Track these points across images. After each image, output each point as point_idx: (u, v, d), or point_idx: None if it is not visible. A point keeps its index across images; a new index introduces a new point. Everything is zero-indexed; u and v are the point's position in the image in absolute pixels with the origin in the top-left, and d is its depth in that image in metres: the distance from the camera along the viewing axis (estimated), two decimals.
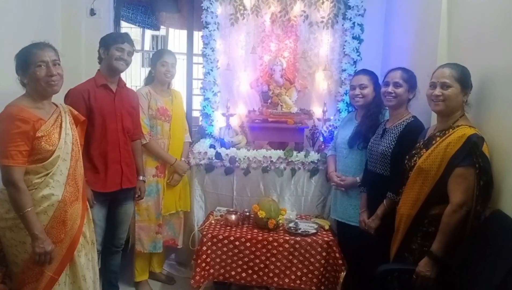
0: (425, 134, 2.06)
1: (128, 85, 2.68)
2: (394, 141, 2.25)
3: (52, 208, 1.87)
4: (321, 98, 3.33)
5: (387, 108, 2.43)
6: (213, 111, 3.30)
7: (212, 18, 3.20)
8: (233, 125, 3.35)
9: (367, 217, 2.38)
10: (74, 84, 2.39)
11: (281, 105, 3.21)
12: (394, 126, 2.30)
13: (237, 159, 2.95)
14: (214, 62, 3.26)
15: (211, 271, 2.55)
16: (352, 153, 2.61)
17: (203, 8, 3.20)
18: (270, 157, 2.95)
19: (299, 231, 2.60)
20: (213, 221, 2.77)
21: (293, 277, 2.53)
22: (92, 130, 2.33)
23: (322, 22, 3.26)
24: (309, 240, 2.54)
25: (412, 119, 2.28)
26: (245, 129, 3.36)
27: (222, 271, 2.56)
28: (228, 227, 2.68)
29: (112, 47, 2.39)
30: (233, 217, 2.73)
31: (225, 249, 2.55)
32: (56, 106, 2.01)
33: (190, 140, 3.10)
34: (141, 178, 2.66)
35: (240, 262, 2.54)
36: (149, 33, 7.36)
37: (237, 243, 2.54)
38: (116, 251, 2.67)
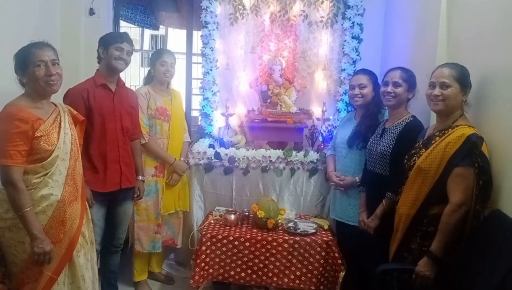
0: (425, 133, 2.06)
1: (127, 85, 2.67)
2: (394, 140, 2.25)
3: (51, 208, 1.87)
4: (321, 98, 3.33)
5: (386, 107, 2.43)
6: (212, 111, 3.30)
7: (211, 17, 3.20)
8: (232, 124, 3.34)
9: (366, 216, 2.38)
10: (73, 83, 2.38)
11: (281, 105, 3.21)
12: (394, 125, 2.30)
13: (236, 159, 2.95)
14: (213, 62, 3.25)
15: (210, 271, 2.55)
16: (351, 153, 2.61)
17: (202, 7, 3.20)
18: (269, 156, 2.95)
19: (298, 231, 2.60)
20: (212, 221, 2.77)
21: (292, 276, 2.53)
22: (91, 130, 2.33)
23: (321, 21, 3.26)
24: (308, 240, 2.54)
25: (412, 118, 2.28)
26: (244, 128, 3.36)
27: (221, 271, 2.56)
28: (227, 227, 2.68)
29: (111, 46, 2.38)
30: (232, 217, 2.73)
31: (224, 249, 2.54)
32: (55, 105, 2.01)
33: (189, 140, 3.09)
34: (140, 178, 2.66)
35: (239, 262, 2.54)
36: (148, 32, 7.36)
37: (236, 243, 2.54)
38: (115, 251, 2.66)
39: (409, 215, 1.92)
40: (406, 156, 2.03)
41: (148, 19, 4.79)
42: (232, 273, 2.55)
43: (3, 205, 1.85)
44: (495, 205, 1.77)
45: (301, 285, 2.53)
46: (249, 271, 2.54)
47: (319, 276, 2.53)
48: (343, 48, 3.19)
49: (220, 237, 2.55)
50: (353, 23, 3.12)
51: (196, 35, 3.88)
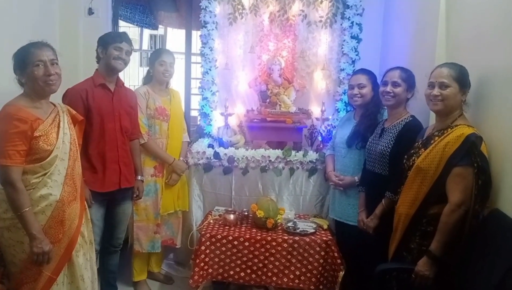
0: (424, 133, 2.07)
1: (126, 85, 2.67)
2: (393, 140, 2.25)
3: (50, 208, 1.87)
4: (320, 98, 3.33)
5: (385, 107, 2.43)
6: (211, 111, 3.30)
7: (210, 17, 3.20)
8: (232, 124, 3.34)
9: (366, 216, 2.38)
10: (72, 83, 2.38)
11: (280, 105, 3.21)
12: (393, 125, 2.30)
13: (235, 158, 2.95)
14: (212, 62, 3.25)
15: (210, 270, 2.55)
16: (351, 153, 2.61)
17: (201, 7, 3.19)
18: (269, 156, 2.95)
19: (298, 231, 2.60)
20: (211, 221, 2.77)
21: (291, 276, 2.53)
22: (90, 130, 2.33)
23: (320, 21, 3.26)
24: (307, 239, 2.54)
25: (411, 118, 2.28)
26: (243, 128, 3.35)
27: (220, 270, 2.55)
28: (227, 227, 2.67)
29: (110, 46, 2.38)
30: (232, 216, 2.73)
31: (223, 248, 2.54)
32: (54, 105, 2.01)
33: (188, 140, 3.09)
34: (139, 177, 2.66)
35: (238, 262, 2.54)
36: (147, 32, 7.36)
37: (235, 242, 2.54)
38: (114, 251, 2.66)
39: (408, 215, 1.92)
40: (405, 156, 2.03)
41: (147, 19, 4.79)
42: (231, 272, 2.55)
43: (2, 205, 1.84)
44: (494, 204, 1.77)
45: (301, 285, 2.54)
46: (248, 271, 2.54)
47: (318, 276, 2.53)
48: (342, 48, 3.19)
49: (219, 237, 2.55)
50: (352, 23, 3.12)
51: (195, 35, 3.88)
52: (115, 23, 3.74)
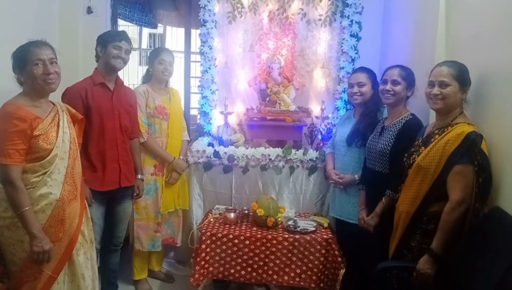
0: (424, 131, 2.07)
1: (125, 84, 2.67)
2: (393, 139, 2.25)
3: (50, 207, 1.87)
4: (319, 96, 3.33)
5: (385, 106, 2.43)
6: (211, 109, 3.30)
7: (209, 16, 3.20)
8: (231, 123, 3.34)
9: (366, 214, 2.38)
10: (72, 82, 2.37)
11: (279, 103, 3.21)
12: (393, 124, 2.30)
13: (235, 157, 2.95)
14: (212, 60, 3.25)
15: (210, 269, 2.55)
16: (351, 151, 2.61)
17: (200, 6, 3.19)
18: (269, 155, 2.95)
19: (298, 229, 2.60)
20: (212, 219, 2.77)
21: (292, 274, 2.54)
22: (89, 129, 2.32)
23: (320, 20, 3.26)
24: (308, 237, 2.54)
25: (411, 116, 2.28)
26: (243, 127, 3.35)
27: (221, 269, 2.56)
28: (227, 225, 2.68)
29: (109, 45, 2.38)
30: (232, 215, 2.73)
31: (224, 247, 2.54)
32: (54, 104, 2.00)
33: (188, 139, 3.09)
34: (139, 176, 2.66)
35: (239, 260, 2.54)
36: (146, 31, 7.35)
37: (236, 241, 2.54)
38: (114, 250, 2.66)
39: (409, 213, 1.92)
40: (406, 154, 2.04)
41: (146, 18, 4.78)
42: (232, 271, 2.55)
43: (1, 204, 1.84)
44: (494, 202, 1.77)
45: (301, 283, 2.54)
46: (249, 269, 2.54)
47: (319, 274, 2.53)
48: (341, 46, 3.19)
49: (219, 235, 2.55)
50: (351, 21, 3.12)
51: (195, 33, 3.87)
52: (114, 22, 3.73)
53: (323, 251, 2.53)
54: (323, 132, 3.21)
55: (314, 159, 2.95)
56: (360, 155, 2.55)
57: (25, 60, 1.84)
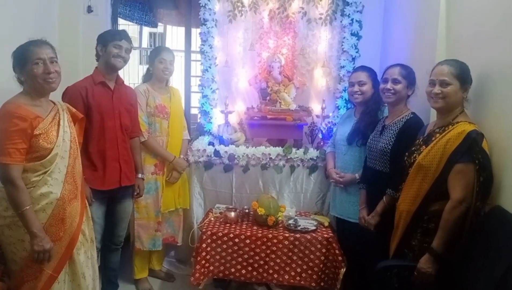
0: (425, 130, 2.06)
1: (126, 83, 2.66)
2: (394, 137, 2.24)
3: (51, 206, 1.87)
4: (320, 95, 3.32)
5: (386, 104, 2.43)
6: (211, 108, 3.29)
7: (210, 15, 3.19)
8: (232, 122, 3.34)
9: (367, 213, 2.38)
10: (72, 81, 2.37)
11: (280, 102, 3.21)
12: (393, 122, 2.30)
13: (236, 156, 2.95)
14: (212, 59, 3.25)
15: (211, 268, 2.55)
16: (351, 150, 2.61)
17: (200, 5, 3.19)
18: (269, 154, 2.95)
19: (299, 228, 2.60)
20: (212, 218, 2.77)
21: (292, 273, 2.53)
22: (90, 128, 2.32)
23: (320, 18, 3.26)
24: (308, 237, 2.54)
25: (411, 115, 2.28)
26: (243, 126, 3.35)
27: (221, 268, 2.56)
28: (228, 224, 2.67)
29: (110, 44, 2.37)
30: (233, 214, 2.73)
31: (224, 246, 2.54)
32: (54, 103, 2.00)
33: (188, 138, 3.09)
34: (140, 175, 2.66)
35: (239, 259, 2.54)
36: (146, 30, 7.35)
37: (236, 240, 2.54)
38: (115, 249, 2.66)
39: (410, 212, 1.92)
40: (406, 153, 2.03)
41: (146, 17, 4.78)
42: (232, 270, 2.55)
43: (2, 203, 1.84)
44: (495, 201, 1.77)
45: (302, 282, 2.54)
46: (249, 268, 2.54)
47: (319, 273, 2.53)
48: (342, 45, 3.18)
49: (220, 234, 2.55)
50: (352, 20, 3.12)
51: (195, 32, 3.87)
52: (114, 21, 3.73)
53: (323, 250, 2.53)
54: (323, 131, 3.21)
55: (315, 158, 2.94)
56: (361, 154, 2.55)
57: (25, 59, 1.84)
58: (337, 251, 2.49)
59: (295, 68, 3.41)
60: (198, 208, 3.08)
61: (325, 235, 2.56)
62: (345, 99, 3.13)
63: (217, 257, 2.55)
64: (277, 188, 2.99)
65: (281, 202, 2.88)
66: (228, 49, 3.35)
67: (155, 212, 2.84)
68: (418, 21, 2.78)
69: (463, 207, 1.74)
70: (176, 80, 4.19)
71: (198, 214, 3.06)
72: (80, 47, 3.29)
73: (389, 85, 2.27)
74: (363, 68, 2.64)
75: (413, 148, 2.01)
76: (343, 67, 3.16)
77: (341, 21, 3.18)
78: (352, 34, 3.13)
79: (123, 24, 4.44)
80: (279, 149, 2.97)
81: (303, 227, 2.61)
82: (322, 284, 2.54)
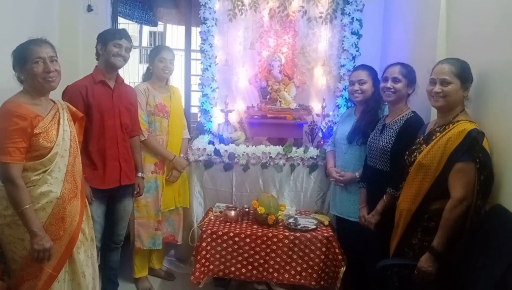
0: (425, 129, 2.06)
1: (126, 82, 2.66)
2: (394, 136, 2.24)
3: (51, 205, 1.87)
4: (320, 94, 3.32)
5: (386, 103, 2.43)
6: (211, 107, 3.29)
7: (210, 13, 3.19)
8: (232, 121, 3.34)
9: (367, 212, 2.38)
10: (72, 80, 2.37)
11: (280, 101, 3.20)
12: (394, 121, 2.30)
13: (236, 155, 2.95)
14: (212, 58, 3.24)
15: (211, 267, 2.55)
16: (351, 149, 2.61)
17: (200, 3, 3.18)
18: (269, 153, 2.94)
19: (299, 227, 2.60)
20: (212, 217, 2.77)
21: (293, 272, 2.53)
22: (90, 127, 2.32)
23: (320, 17, 3.25)
24: (308, 235, 2.54)
25: (412, 114, 2.28)
26: (244, 125, 3.35)
27: (221, 267, 2.55)
28: (228, 223, 2.67)
29: (110, 43, 2.37)
30: (233, 213, 2.72)
31: (224, 245, 2.54)
32: (54, 102, 2.00)
33: (188, 136, 3.09)
34: (140, 174, 2.66)
35: (239, 258, 2.54)
36: (146, 29, 7.34)
37: (236, 239, 2.54)
38: (115, 248, 2.66)
39: (410, 211, 1.92)
40: (407, 152, 2.03)
41: (146, 16, 4.78)
42: (232, 269, 2.55)
43: (2, 202, 1.84)
44: (495, 200, 1.77)
45: (302, 281, 2.54)
46: (249, 267, 2.54)
47: (319, 272, 2.53)
48: (342, 43, 3.17)
49: (220, 233, 2.55)
50: (352, 18, 3.11)
51: (195, 31, 3.87)
52: (114, 20, 3.73)
53: (323, 249, 2.52)
54: (323, 130, 3.21)
55: (315, 157, 2.94)
56: (361, 153, 2.55)
57: (25, 58, 1.84)
58: (337, 250, 2.49)
59: (295, 67, 3.40)
60: (198, 207, 3.08)
61: (325, 234, 2.55)
62: (346, 98, 3.12)
63: (217, 256, 2.55)
64: (277, 187, 2.99)
65: (281, 201, 2.88)
66: (228, 48, 3.35)
67: (155, 211, 2.84)
68: (419, 19, 2.78)
69: (464, 206, 1.74)
70: (176, 79, 4.19)
71: (198, 213, 3.06)
72: (80, 46, 3.29)
73: (389, 84, 2.27)
74: (364, 66, 2.64)
75: (413, 147, 2.00)
76: (344, 65, 3.16)
77: (341, 20, 3.18)
78: (352, 33, 3.12)
79: (123, 23, 4.44)
80: (279, 148, 2.97)
81: (303, 226, 2.61)
82: (322, 283, 2.54)
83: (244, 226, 2.66)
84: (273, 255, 2.53)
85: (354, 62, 3.13)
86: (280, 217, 2.67)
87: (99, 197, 2.41)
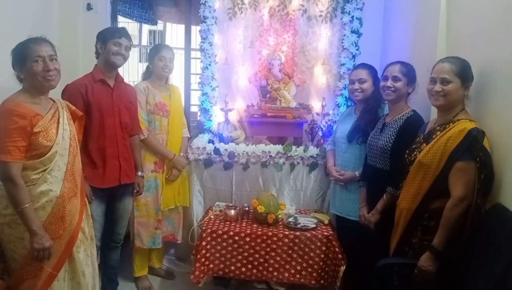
0: (425, 128, 2.06)
1: (125, 80, 2.66)
2: (394, 135, 2.24)
3: (51, 204, 1.87)
4: (320, 93, 3.31)
5: (386, 102, 2.42)
6: (211, 106, 3.29)
7: (210, 12, 3.18)
8: (232, 120, 3.33)
9: (367, 211, 2.38)
10: (72, 79, 2.37)
11: (280, 100, 3.20)
12: (394, 120, 2.30)
13: (236, 154, 2.95)
14: (212, 57, 3.24)
15: (211, 266, 2.55)
16: (351, 148, 2.61)
17: (200, 2, 3.17)
18: (269, 152, 2.94)
19: (299, 226, 2.60)
20: (212, 216, 2.77)
21: (292, 271, 2.53)
22: (90, 125, 2.32)
23: (320, 16, 3.24)
24: (308, 234, 2.54)
25: (412, 113, 2.27)
26: (243, 124, 3.35)
27: (221, 266, 2.55)
28: (228, 222, 2.67)
29: (109, 41, 2.37)
30: (232, 212, 2.72)
31: (224, 244, 2.54)
32: (54, 101, 2.00)
33: (188, 135, 3.09)
34: (139, 173, 2.65)
35: (239, 257, 2.54)
36: (146, 28, 7.33)
37: (236, 238, 2.54)
38: (115, 247, 2.66)
39: (410, 210, 1.92)
40: (407, 151, 2.03)
41: (146, 14, 4.76)
42: (232, 268, 2.55)
43: (2, 201, 1.84)
44: (496, 199, 1.77)
45: (302, 280, 2.54)
46: (249, 266, 2.54)
47: (319, 271, 2.53)
48: (342, 42, 3.17)
49: (220, 232, 2.55)
50: (352, 17, 3.10)
51: (195, 30, 3.86)
52: (114, 19, 3.72)
53: (323, 248, 2.52)
54: (323, 129, 3.20)
55: (315, 156, 2.94)
56: (361, 152, 2.54)
57: (24, 57, 1.84)
58: (337, 249, 2.49)
59: (295, 65, 3.40)
60: (198, 206, 3.08)
61: (325, 233, 2.55)
62: (345, 97, 3.12)
63: (217, 255, 2.55)
64: (277, 186, 2.99)
65: (281, 200, 2.88)
66: (228, 47, 3.34)
67: (155, 210, 2.84)
68: (419, 18, 2.77)
69: (464, 205, 1.73)
70: (176, 78, 4.19)
71: (198, 212, 3.06)
72: (80, 45, 3.29)
73: (389, 83, 2.26)
74: (364, 65, 2.64)
75: (413, 146, 2.00)
76: (343, 64, 3.15)
77: (341, 19, 3.17)
78: (352, 32, 3.12)
79: (122, 21, 4.43)
80: (279, 147, 2.97)
81: (303, 225, 2.61)
82: (322, 282, 2.54)
83: (244, 225, 2.66)
84: (273, 254, 2.53)
85: (354, 61, 3.13)
86: (280, 216, 2.67)
87: (99, 196, 2.41)
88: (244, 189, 3.02)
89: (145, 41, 7.95)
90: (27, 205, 1.77)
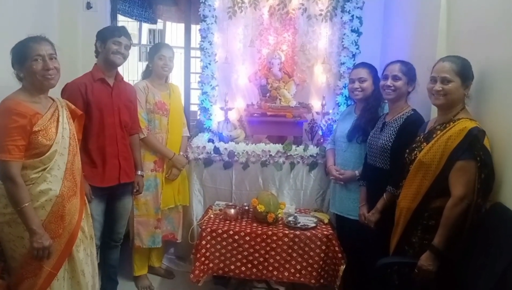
0: (425, 127, 2.06)
1: (125, 79, 2.66)
2: (394, 134, 2.24)
3: (50, 203, 1.86)
4: (320, 92, 3.31)
5: (386, 101, 2.42)
6: (211, 105, 3.28)
7: (209, 11, 3.18)
8: (232, 119, 3.33)
9: (367, 211, 2.38)
10: (71, 78, 2.37)
11: (280, 99, 3.20)
12: (394, 119, 2.29)
13: (235, 153, 2.95)
14: (212, 56, 3.23)
15: (211, 265, 2.55)
16: (351, 147, 2.60)
17: (200, 1, 3.17)
18: (269, 151, 2.94)
19: (298, 225, 2.59)
20: (212, 215, 2.77)
21: (292, 270, 2.53)
22: (89, 125, 2.32)
23: (320, 15, 3.24)
24: (308, 233, 2.54)
25: (412, 112, 2.27)
26: (243, 123, 3.35)
27: (221, 265, 2.55)
28: (227, 221, 2.67)
29: (109, 40, 2.37)
30: (232, 211, 2.72)
31: (224, 243, 2.54)
32: (53, 100, 2.00)
33: (188, 134, 3.08)
34: (139, 172, 2.65)
35: (239, 256, 2.54)
36: (146, 26, 7.31)
37: (236, 237, 2.53)
38: (114, 246, 2.66)
39: (410, 209, 1.92)
40: (407, 150, 2.02)
41: (145, 13, 4.76)
42: (232, 267, 2.54)
43: (1, 200, 1.84)
44: (496, 198, 1.77)
45: (302, 279, 2.54)
46: (249, 265, 2.54)
47: (319, 270, 2.53)
48: (342, 41, 3.16)
49: (220, 231, 2.55)
50: (352, 16, 3.10)
51: (195, 29, 3.85)
52: (113, 18, 3.72)
53: (323, 247, 2.52)
54: (323, 128, 3.20)
55: (315, 155, 2.94)
56: (361, 151, 2.54)
57: (24, 55, 1.83)
58: (336, 248, 2.49)
59: (295, 64, 3.39)
60: (198, 205, 3.08)
61: (325, 232, 2.55)
62: (345, 96, 3.11)
63: (217, 254, 2.55)
64: (277, 185, 2.99)
65: (281, 199, 2.88)
66: (228, 46, 3.34)
67: (155, 209, 2.84)
68: (419, 17, 2.77)
69: (464, 204, 1.73)
70: (176, 77, 4.17)
71: (198, 211, 3.06)
72: (80, 44, 3.29)
73: (389, 82, 2.26)
74: (364, 64, 2.63)
75: (413, 145, 2.00)
76: (343, 63, 3.15)
77: (341, 18, 3.17)
78: (352, 31, 3.11)
79: (122, 20, 4.42)
80: (279, 146, 2.97)
81: (302, 224, 2.61)
82: (321, 281, 2.54)
83: (243, 224, 2.65)
84: (273, 253, 2.53)
85: (354, 60, 3.13)
86: (279, 215, 2.67)
87: (99, 195, 2.41)
88: (244, 188, 3.02)
89: (144, 40, 7.93)
90: (26, 204, 1.77)
